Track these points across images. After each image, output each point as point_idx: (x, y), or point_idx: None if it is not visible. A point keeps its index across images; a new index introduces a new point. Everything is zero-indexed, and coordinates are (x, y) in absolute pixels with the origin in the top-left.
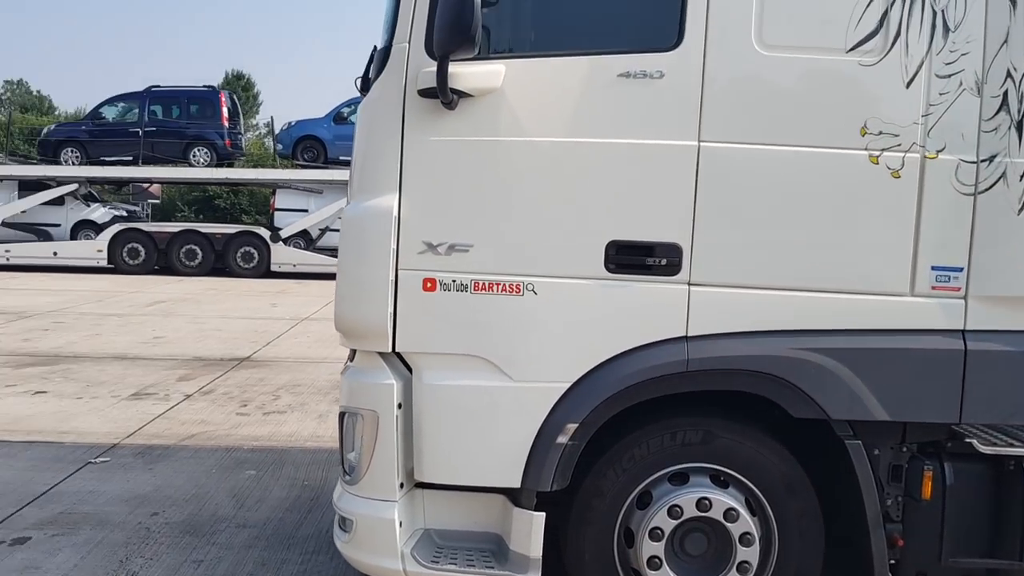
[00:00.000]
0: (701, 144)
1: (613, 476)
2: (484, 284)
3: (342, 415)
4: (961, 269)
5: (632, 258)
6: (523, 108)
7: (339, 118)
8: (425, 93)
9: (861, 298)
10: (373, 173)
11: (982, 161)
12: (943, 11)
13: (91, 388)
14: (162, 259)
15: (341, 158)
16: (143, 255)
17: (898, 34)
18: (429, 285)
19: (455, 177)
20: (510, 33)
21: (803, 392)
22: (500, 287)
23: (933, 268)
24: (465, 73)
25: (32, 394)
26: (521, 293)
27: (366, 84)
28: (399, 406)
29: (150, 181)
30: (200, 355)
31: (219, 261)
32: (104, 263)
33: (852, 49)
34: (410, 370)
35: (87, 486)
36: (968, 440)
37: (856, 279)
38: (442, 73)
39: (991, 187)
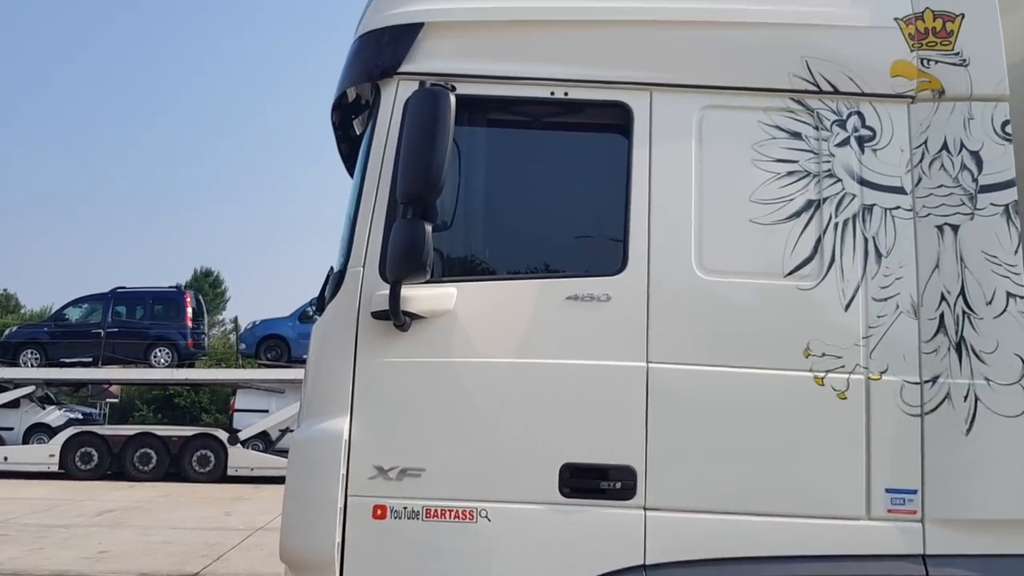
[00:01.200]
0: (649, 365)
1: None
2: (436, 511)
3: None
4: (915, 491)
5: (586, 482)
6: (475, 330)
7: (304, 317)
8: (378, 315)
9: (819, 523)
10: (324, 395)
11: (925, 382)
12: (874, 238)
13: None
14: (115, 463)
15: (305, 357)
16: (96, 459)
17: (833, 259)
18: (379, 512)
19: (407, 399)
20: (462, 256)
21: None
22: (452, 513)
23: (887, 490)
24: (418, 296)
25: None
26: (474, 520)
27: (321, 305)
28: None
29: (108, 382)
30: (145, 571)
31: (174, 465)
32: (55, 468)
33: (790, 274)
34: None
35: None
36: None
37: (812, 503)
38: (395, 297)
39: (936, 408)
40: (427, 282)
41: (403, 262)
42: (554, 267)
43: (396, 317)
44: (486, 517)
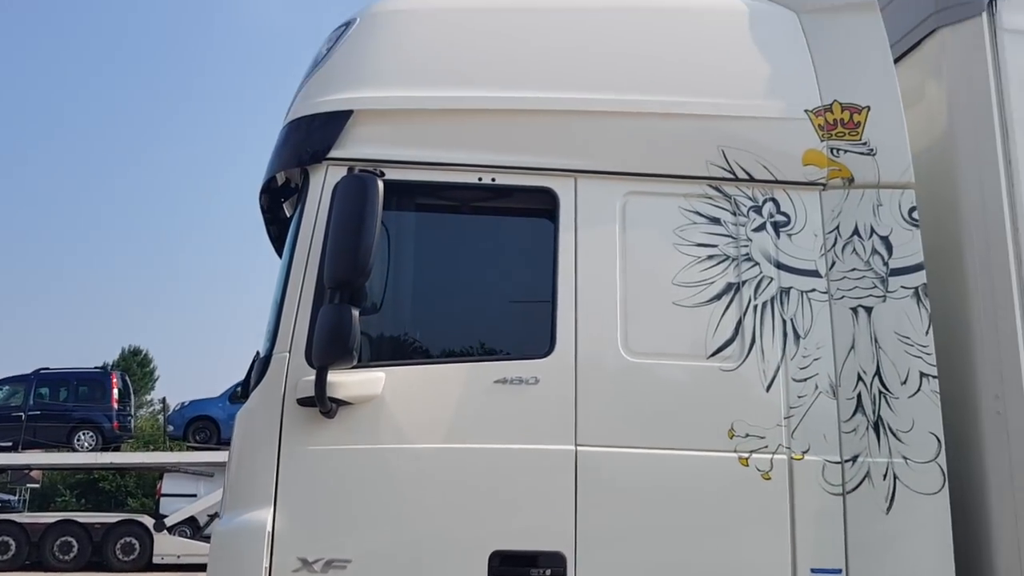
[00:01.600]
0: (578, 448)
1: None
2: None
3: None
4: (839, 571)
5: (516, 569)
6: (403, 415)
7: (234, 397)
8: (304, 402)
9: None
10: (248, 485)
11: (846, 461)
12: (792, 320)
13: None
14: (34, 553)
15: None
16: (13, 549)
17: (753, 341)
18: None
19: (333, 488)
20: (391, 339)
21: None
22: None
23: (812, 571)
24: (345, 382)
25: None
26: None
27: (246, 391)
28: None
29: (28, 467)
30: None
31: (96, 554)
32: None
33: (712, 355)
34: None
35: None
36: None
37: None
38: (321, 383)
39: (857, 487)
40: (355, 367)
41: (329, 347)
42: (483, 350)
43: (322, 404)
44: None
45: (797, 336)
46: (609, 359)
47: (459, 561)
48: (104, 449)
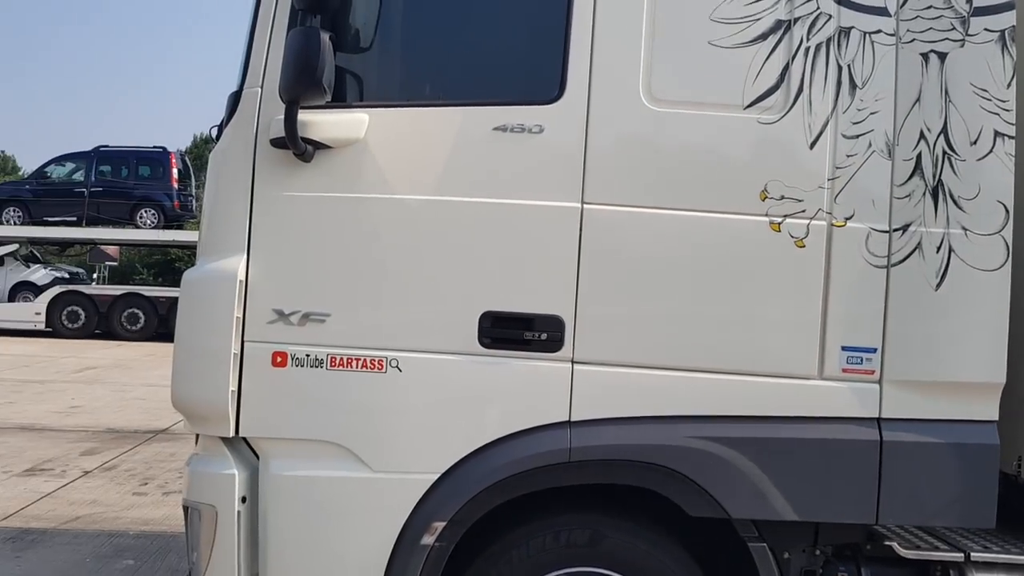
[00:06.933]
0: (584, 206)
1: None
2: (342, 359)
3: (185, 509)
4: (874, 350)
5: (508, 332)
6: (389, 162)
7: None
8: (278, 143)
9: (764, 381)
10: (219, 231)
11: (895, 230)
12: (849, 66)
13: None
14: (103, 323)
15: None
16: (83, 319)
17: (800, 90)
18: (279, 360)
19: (311, 237)
20: (377, 79)
21: (699, 486)
22: (360, 363)
23: (843, 349)
24: (321, 122)
25: None
26: (384, 370)
27: (221, 132)
28: (243, 500)
29: (93, 242)
30: (115, 426)
31: (162, 326)
32: (42, 326)
33: (750, 105)
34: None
35: None
36: (888, 543)
37: (758, 360)
38: (291, 120)
39: (905, 259)
40: (336, 106)
41: (296, 78)
42: (481, 93)
43: (294, 144)
44: (397, 367)
45: (853, 85)
46: (627, 107)
47: (447, 320)
48: (167, 227)
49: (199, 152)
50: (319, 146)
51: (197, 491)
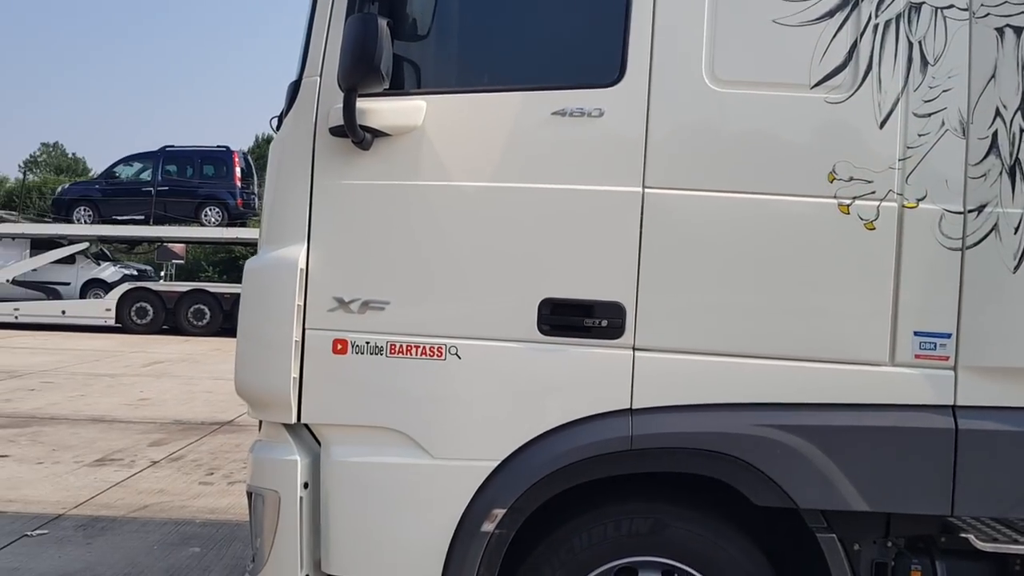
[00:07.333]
0: (646, 191)
1: (549, 572)
2: (401, 347)
3: (249, 495)
4: (949, 335)
5: (568, 319)
6: (447, 149)
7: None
8: (336, 131)
9: (833, 368)
10: (280, 220)
11: (970, 211)
12: (920, 42)
13: (56, 452)
14: (171, 319)
15: None
16: (151, 314)
17: (869, 68)
18: (339, 347)
19: (370, 225)
20: (435, 67)
21: (766, 476)
22: (419, 350)
23: (916, 334)
24: (380, 109)
25: None
26: (443, 357)
27: (281, 123)
28: (305, 486)
29: (160, 240)
30: (181, 418)
31: (227, 321)
32: (112, 322)
33: (817, 84)
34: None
35: (12, 563)
36: (964, 535)
37: (826, 346)
38: (349, 108)
39: (981, 241)
40: (393, 94)
41: (354, 66)
42: (539, 77)
43: (353, 132)
44: (456, 355)
45: (925, 62)
46: (690, 88)
47: (507, 308)
48: (230, 225)
49: (261, 152)
50: (377, 134)
51: (260, 477)
